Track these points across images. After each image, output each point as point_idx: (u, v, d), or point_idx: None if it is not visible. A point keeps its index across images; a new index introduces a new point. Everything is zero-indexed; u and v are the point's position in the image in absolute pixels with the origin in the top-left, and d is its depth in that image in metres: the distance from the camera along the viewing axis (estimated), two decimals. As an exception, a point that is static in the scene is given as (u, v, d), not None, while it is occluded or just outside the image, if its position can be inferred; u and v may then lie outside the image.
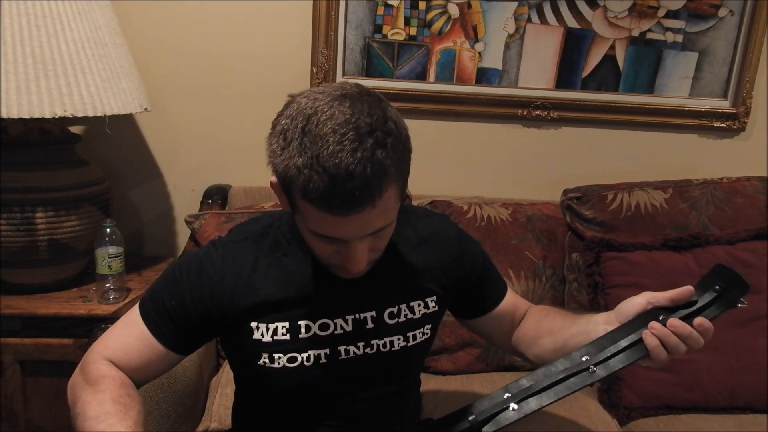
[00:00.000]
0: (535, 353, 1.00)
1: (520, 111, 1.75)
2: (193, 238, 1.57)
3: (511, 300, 1.07)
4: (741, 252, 1.46)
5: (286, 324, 0.88)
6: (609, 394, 1.43)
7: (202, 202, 1.70)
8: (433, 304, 0.97)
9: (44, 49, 1.29)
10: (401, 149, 0.74)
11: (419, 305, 0.95)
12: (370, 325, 0.91)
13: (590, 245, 1.51)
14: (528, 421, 1.30)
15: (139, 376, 0.90)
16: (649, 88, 1.76)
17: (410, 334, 0.94)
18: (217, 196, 1.69)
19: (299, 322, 0.88)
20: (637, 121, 1.78)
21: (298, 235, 0.88)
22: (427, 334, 0.97)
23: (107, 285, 1.44)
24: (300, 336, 0.88)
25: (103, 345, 0.90)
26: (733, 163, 1.77)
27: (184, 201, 1.78)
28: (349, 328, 0.90)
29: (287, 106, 0.76)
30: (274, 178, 0.78)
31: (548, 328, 0.98)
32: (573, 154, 1.81)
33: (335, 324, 0.90)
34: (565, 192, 1.62)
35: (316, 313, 0.89)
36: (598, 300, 1.48)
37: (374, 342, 0.92)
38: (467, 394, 1.39)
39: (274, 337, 0.88)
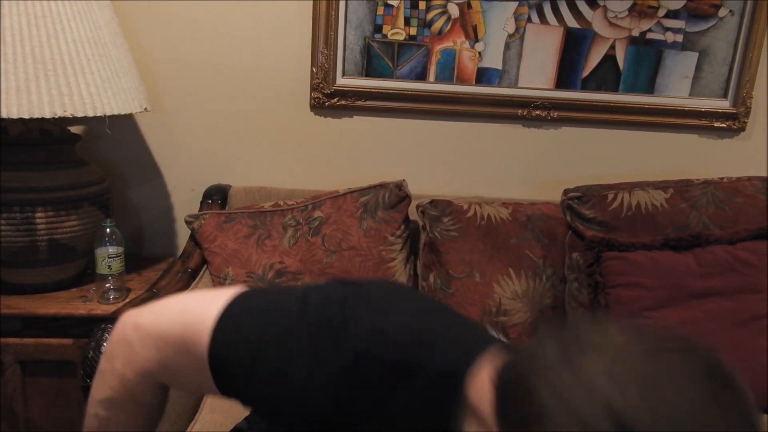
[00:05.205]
0: None
1: (520, 111, 1.75)
2: (192, 238, 1.57)
3: None
4: (741, 252, 1.46)
5: None
6: (609, 394, 1.43)
7: (202, 202, 1.70)
8: None
9: (44, 49, 1.29)
10: None
11: None
12: None
13: (590, 245, 1.51)
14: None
15: (176, 389, 0.82)
16: (649, 88, 1.76)
17: None
18: (217, 196, 1.69)
19: None
20: (637, 121, 1.78)
21: (455, 411, 0.60)
22: None
23: (107, 285, 1.44)
24: None
25: (157, 360, 0.71)
26: (734, 163, 1.77)
27: (184, 201, 1.78)
28: None
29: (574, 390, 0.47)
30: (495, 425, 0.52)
31: None
32: (573, 154, 1.81)
33: None
34: (566, 192, 1.62)
35: None
36: (599, 300, 1.48)
37: None
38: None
39: None
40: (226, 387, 0.68)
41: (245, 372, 0.65)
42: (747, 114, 1.77)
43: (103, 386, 0.77)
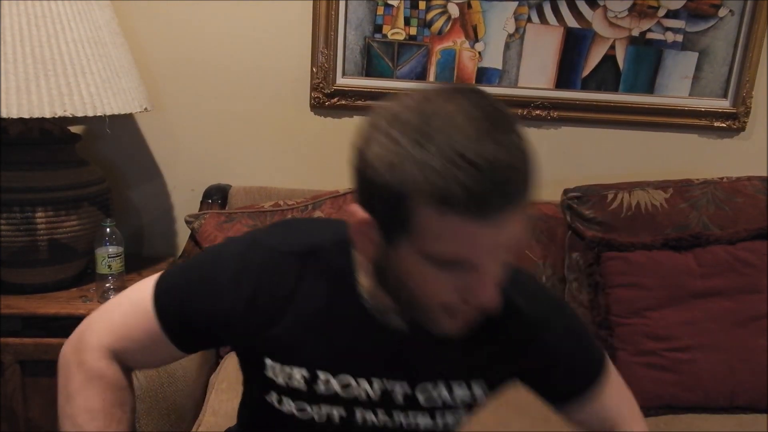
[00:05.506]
0: None
1: (520, 111, 1.75)
2: (193, 238, 1.57)
3: (604, 403, 0.85)
4: (741, 252, 1.46)
5: (304, 371, 0.76)
6: (609, 394, 1.43)
7: (202, 202, 1.70)
8: (479, 389, 0.80)
9: (44, 49, 1.29)
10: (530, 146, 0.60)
11: (461, 387, 0.79)
12: (398, 396, 0.77)
13: (590, 245, 1.51)
14: (533, 422, 1.31)
15: (140, 365, 0.84)
16: (649, 88, 1.76)
17: (439, 417, 0.79)
18: (217, 196, 1.69)
19: (318, 372, 0.76)
20: (637, 121, 1.77)
21: (350, 274, 0.74)
22: (460, 418, 0.82)
23: (107, 285, 1.44)
24: (316, 388, 0.76)
25: (107, 329, 0.79)
26: (733, 163, 1.77)
27: (184, 201, 1.78)
28: (373, 394, 0.77)
29: (370, 116, 0.63)
30: (359, 210, 0.63)
31: None
32: (573, 154, 1.81)
33: (359, 385, 0.76)
34: (566, 192, 1.62)
35: (341, 367, 0.76)
36: (599, 300, 1.48)
37: (397, 415, 0.78)
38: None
39: (288, 383, 0.76)
40: (177, 335, 0.77)
41: (183, 307, 0.76)
42: (747, 114, 1.77)
43: (64, 391, 0.80)
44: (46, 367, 1.42)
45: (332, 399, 0.77)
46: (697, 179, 1.61)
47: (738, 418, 1.38)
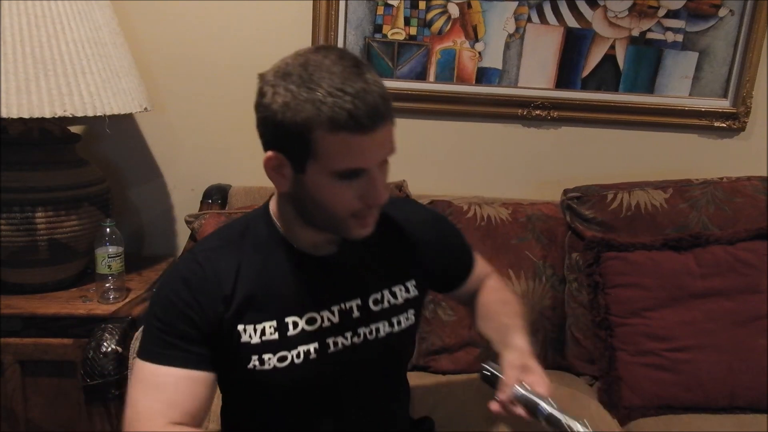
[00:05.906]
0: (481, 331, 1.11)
1: (520, 111, 1.75)
2: (193, 237, 1.57)
3: (476, 273, 1.13)
4: (741, 252, 1.46)
5: (274, 323, 0.88)
6: (609, 394, 1.43)
7: (201, 202, 1.70)
8: (413, 288, 0.99)
9: (44, 49, 1.29)
10: None
11: (400, 290, 0.97)
12: (356, 313, 0.93)
13: (590, 245, 1.51)
14: (531, 422, 1.30)
15: (201, 416, 0.87)
16: (649, 88, 1.76)
17: (395, 320, 0.96)
18: (216, 196, 1.69)
19: (286, 320, 0.89)
20: (637, 121, 1.78)
21: (276, 232, 0.91)
22: (411, 320, 0.99)
23: (107, 285, 1.44)
24: (289, 334, 0.88)
25: (149, 418, 0.83)
26: (733, 163, 1.77)
27: (184, 201, 1.78)
28: (336, 319, 0.91)
29: (263, 79, 0.83)
30: (271, 152, 0.82)
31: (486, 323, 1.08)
32: (573, 154, 1.81)
33: (322, 317, 0.91)
34: (565, 192, 1.62)
35: (303, 308, 0.90)
36: (598, 300, 1.48)
37: (361, 330, 0.93)
38: (467, 394, 1.39)
39: (263, 338, 0.87)
40: (187, 358, 0.84)
41: (169, 335, 0.84)
42: (747, 114, 1.77)
43: None
44: (46, 367, 1.43)
45: (304, 338, 0.89)
46: (697, 179, 1.61)
47: (738, 418, 1.38)
